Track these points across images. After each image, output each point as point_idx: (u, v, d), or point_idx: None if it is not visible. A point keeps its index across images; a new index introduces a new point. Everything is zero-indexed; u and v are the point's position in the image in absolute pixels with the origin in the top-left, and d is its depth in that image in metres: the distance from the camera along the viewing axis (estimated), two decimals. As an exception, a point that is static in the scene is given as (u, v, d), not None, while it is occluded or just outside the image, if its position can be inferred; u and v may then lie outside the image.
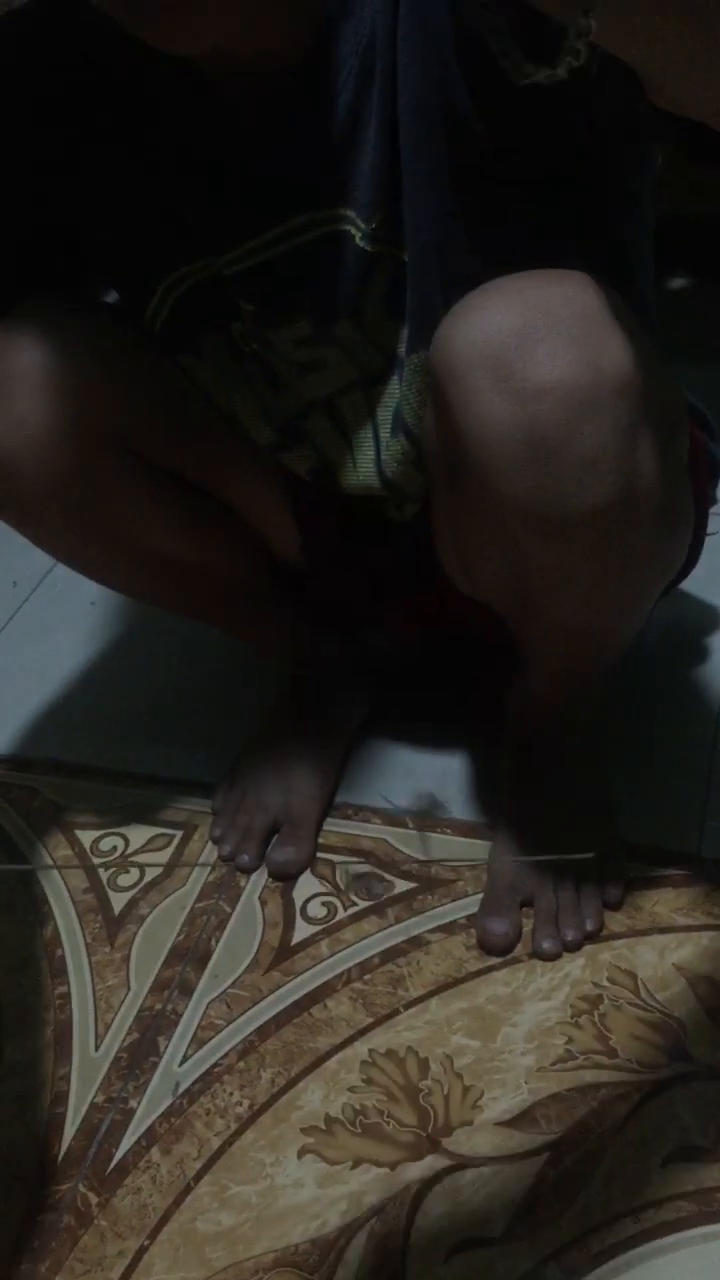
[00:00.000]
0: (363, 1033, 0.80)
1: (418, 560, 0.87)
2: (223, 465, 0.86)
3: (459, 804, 0.97)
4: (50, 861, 0.96)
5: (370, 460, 0.81)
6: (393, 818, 0.96)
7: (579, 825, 0.87)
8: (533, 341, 0.61)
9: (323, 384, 0.78)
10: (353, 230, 0.70)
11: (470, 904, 0.88)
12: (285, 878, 0.93)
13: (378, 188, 0.69)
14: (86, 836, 0.99)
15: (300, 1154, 0.74)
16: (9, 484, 0.77)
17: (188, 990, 0.85)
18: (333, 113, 0.67)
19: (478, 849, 0.92)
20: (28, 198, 0.75)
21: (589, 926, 0.84)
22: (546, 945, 0.83)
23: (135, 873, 0.95)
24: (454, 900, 0.89)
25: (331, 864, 0.93)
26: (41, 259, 0.79)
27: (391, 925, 0.87)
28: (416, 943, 0.86)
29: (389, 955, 0.85)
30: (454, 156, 0.67)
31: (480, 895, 0.88)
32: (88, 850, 0.97)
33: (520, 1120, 0.74)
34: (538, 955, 0.83)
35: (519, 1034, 0.79)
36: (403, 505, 0.85)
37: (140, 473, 0.82)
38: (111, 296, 0.86)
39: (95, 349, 0.76)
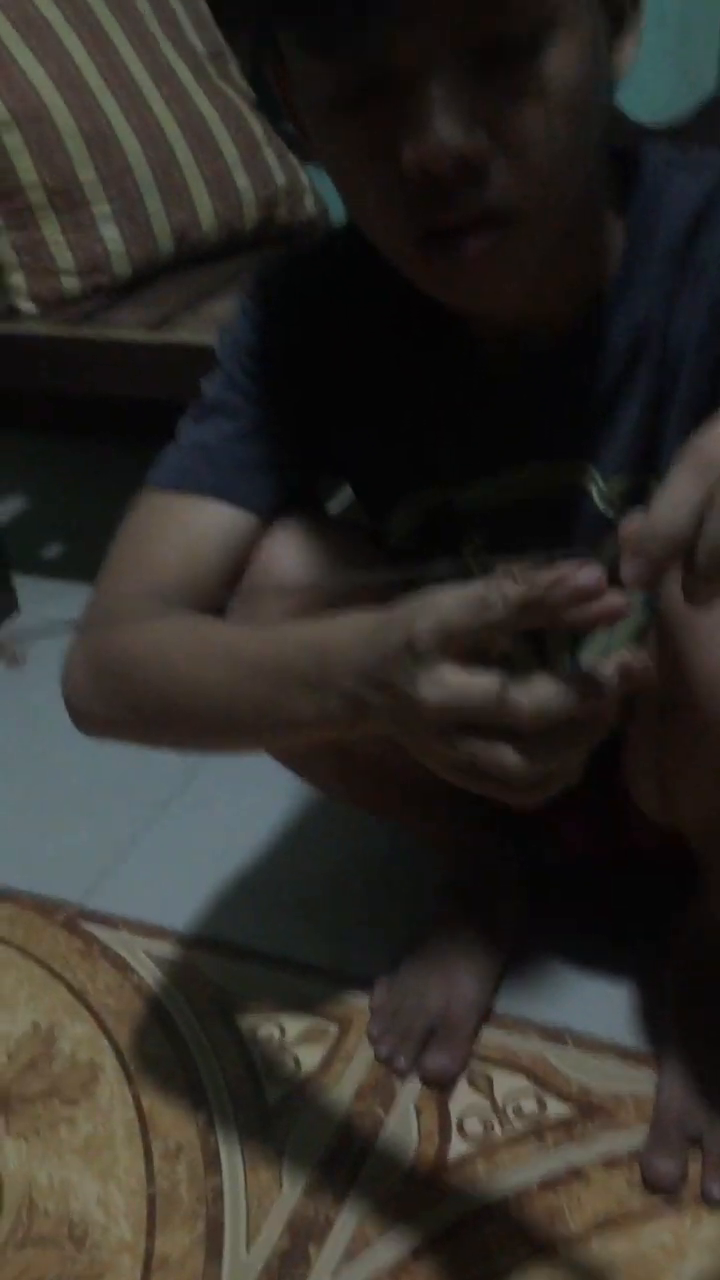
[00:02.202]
0: (520, 1263, 0.78)
1: (599, 780, 0.88)
2: None
3: (620, 1027, 0.95)
4: (211, 1050, 0.97)
5: None
6: (551, 1033, 0.95)
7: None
8: None
9: None
10: (593, 489, 0.74)
11: (632, 1136, 0.86)
12: (436, 1085, 0.92)
13: (630, 455, 0.73)
14: (244, 1021, 1.00)
15: None
16: None
17: (340, 1197, 0.84)
18: (594, 385, 0.71)
19: (635, 1078, 0.90)
20: (294, 423, 0.80)
21: (764, 1173, 0.81)
22: (717, 1191, 0.80)
23: (291, 1064, 0.95)
24: (615, 1130, 0.87)
25: (489, 1078, 0.92)
26: (298, 474, 0.84)
27: (550, 1151, 0.86)
28: (576, 1174, 0.84)
29: (548, 1184, 0.83)
30: None
31: (643, 1126, 0.86)
32: (243, 1037, 0.98)
33: None
34: (707, 1201, 0.80)
35: (686, 1288, 0.76)
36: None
37: None
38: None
39: (339, 565, 0.80)
